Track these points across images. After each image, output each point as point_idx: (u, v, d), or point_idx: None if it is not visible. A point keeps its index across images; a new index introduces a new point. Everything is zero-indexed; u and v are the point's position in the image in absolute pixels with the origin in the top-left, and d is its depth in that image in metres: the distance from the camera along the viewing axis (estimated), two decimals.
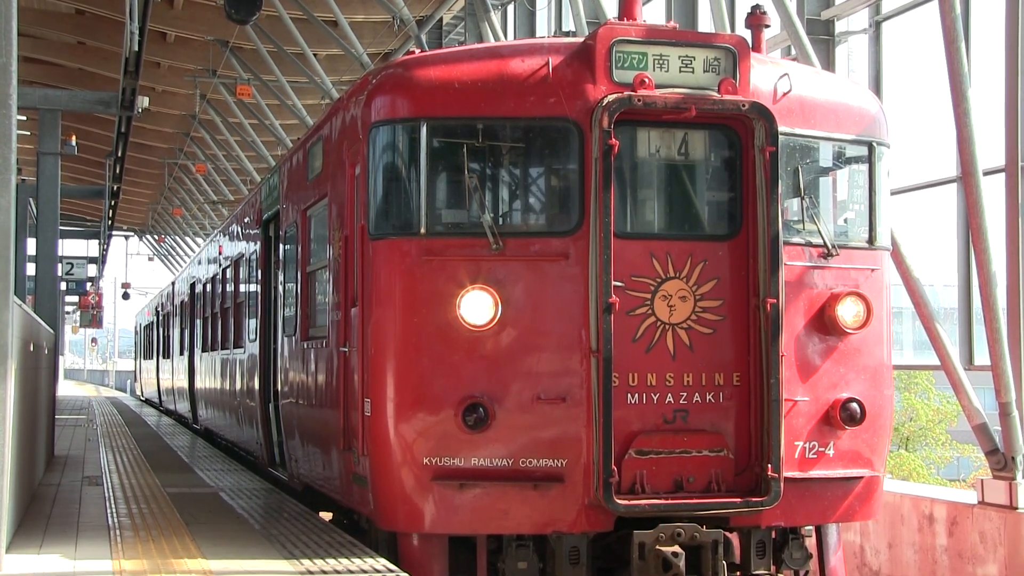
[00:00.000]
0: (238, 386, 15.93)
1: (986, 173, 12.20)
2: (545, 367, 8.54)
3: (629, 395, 8.62)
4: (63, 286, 49.47)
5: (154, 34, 26.83)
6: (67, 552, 8.93)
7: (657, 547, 8.36)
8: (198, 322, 22.07)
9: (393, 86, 9.00)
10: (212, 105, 35.23)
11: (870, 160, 9.45)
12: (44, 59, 31.63)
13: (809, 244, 9.10)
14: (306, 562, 8.41)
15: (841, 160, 9.67)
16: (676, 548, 8.34)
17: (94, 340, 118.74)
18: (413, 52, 9.50)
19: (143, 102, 23.34)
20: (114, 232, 59.13)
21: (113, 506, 11.46)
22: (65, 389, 57.94)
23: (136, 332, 49.77)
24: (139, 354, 47.15)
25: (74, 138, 30.70)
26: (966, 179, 11.98)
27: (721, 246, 8.92)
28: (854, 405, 9.03)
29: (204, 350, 20.79)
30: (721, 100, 8.74)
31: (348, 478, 9.54)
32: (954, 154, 13.22)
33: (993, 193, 12.41)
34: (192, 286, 23.39)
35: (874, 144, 9.46)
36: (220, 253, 18.48)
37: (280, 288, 12.86)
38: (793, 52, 14.33)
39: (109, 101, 23.96)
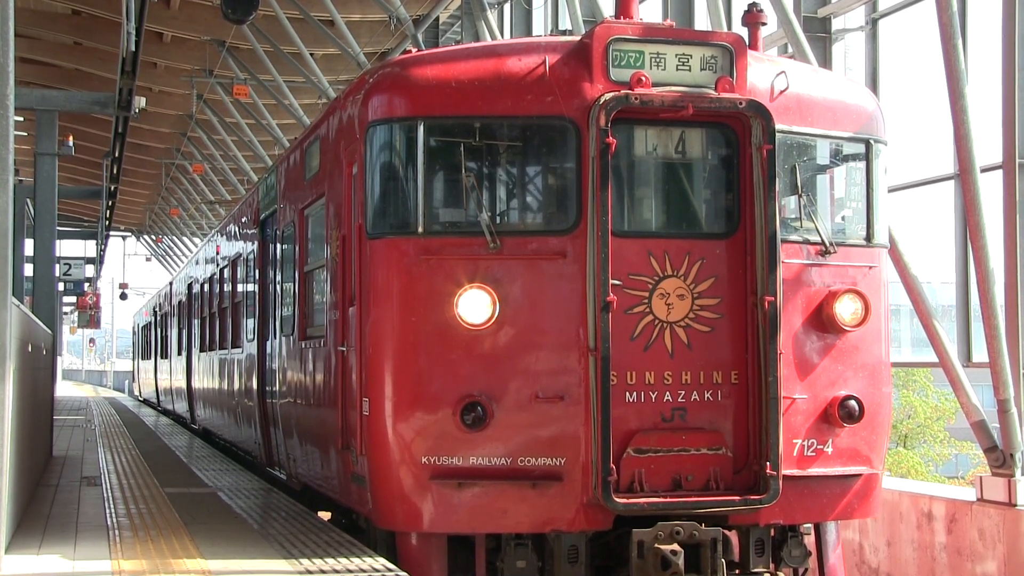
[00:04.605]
0: (236, 386, 15.93)
1: (983, 170, 12.22)
2: (543, 366, 8.53)
3: (627, 394, 8.61)
4: (61, 287, 49.43)
5: (150, 34, 26.80)
6: (66, 552, 8.93)
7: (656, 545, 8.36)
8: (196, 322, 22.07)
9: (390, 85, 9.00)
10: (209, 105, 35.21)
11: (867, 157, 9.45)
12: (41, 60, 31.61)
13: (807, 242, 9.10)
14: (305, 562, 8.41)
15: (838, 158, 9.67)
16: (675, 546, 8.34)
17: (92, 340, 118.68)
18: (410, 51, 9.50)
19: (140, 102, 23.32)
20: (111, 232, 59.02)
21: (112, 506, 11.46)
22: (63, 390, 57.93)
23: (134, 332, 49.77)
24: (137, 354, 47.15)
25: (71, 138, 30.64)
26: (963, 176, 11.99)
27: (719, 244, 8.92)
28: (852, 403, 9.03)
29: (202, 350, 20.78)
30: (718, 98, 8.74)
31: (346, 477, 9.53)
32: (951, 151, 13.22)
33: (991, 190, 12.43)
34: (190, 286, 23.38)
35: (871, 141, 9.46)
36: (218, 253, 18.48)
37: (278, 288, 12.86)
38: (790, 50, 14.33)
39: (106, 101, 23.96)
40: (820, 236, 9.10)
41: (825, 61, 15.90)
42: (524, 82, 8.67)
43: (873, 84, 15.68)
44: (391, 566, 8.26)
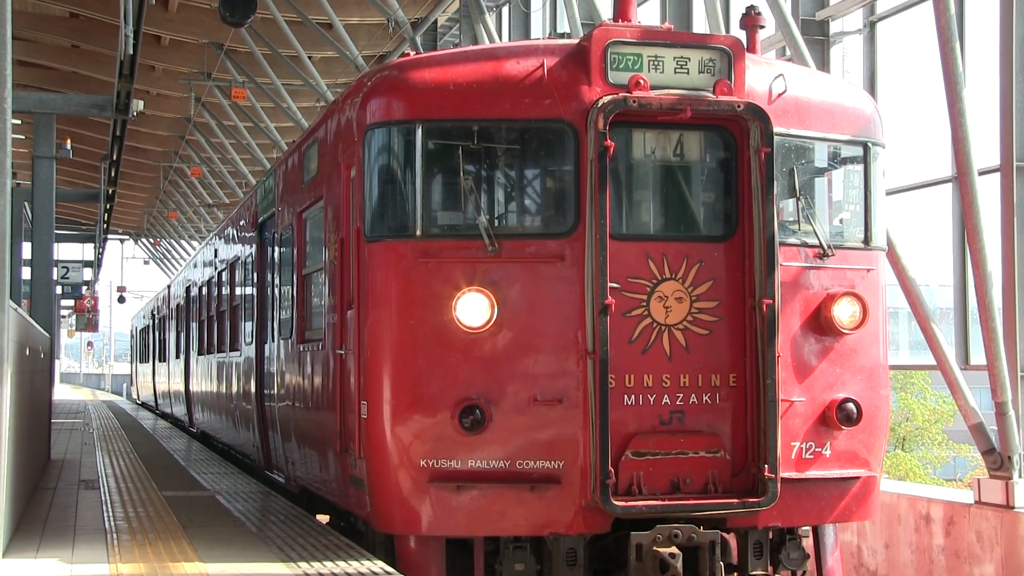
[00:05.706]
0: (234, 389, 15.92)
1: (981, 173, 12.22)
2: (541, 369, 8.53)
3: (625, 396, 8.61)
4: (59, 290, 49.41)
5: (148, 37, 26.81)
6: (64, 556, 8.92)
7: (654, 548, 8.36)
8: (194, 325, 22.06)
9: (388, 88, 9.00)
10: (207, 108, 35.21)
11: (865, 160, 9.45)
12: (39, 63, 31.61)
13: (805, 245, 9.10)
14: (303, 565, 8.41)
15: (836, 160, 9.67)
16: (673, 549, 8.34)
17: (90, 344, 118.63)
18: (408, 54, 9.50)
19: (138, 105, 23.34)
20: (109, 236, 59.02)
21: (110, 510, 11.45)
22: (61, 393, 57.89)
23: (132, 336, 49.77)
24: (135, 358, 47.14)
25: (69, 142, 30.61)
26: (961, 179, 11.99)
27: (717, 247, 8.92)
28: (850, 405, 9.03)
29: (200, 353, 20.78)
30: (716, 101, 8.74)
31: (345, 481, 9.53)
32: (949, 154, 13.23)
33: (988, 193, 12.43)
34: (188, 289, 23.38)
35: (869, 144, 9.46)
36: (216, 256, 18.48)
37: (276, 291, 12.86)
38: (788, 53, 14.34)
39: (104, 104, 23.97)
40: (818, 239, 9.10)
41: (823, 64, 15.90)
42: (522, 85, 8.66)
43: (871, 87, 15.69)
44: (390, 569, 8.26)
